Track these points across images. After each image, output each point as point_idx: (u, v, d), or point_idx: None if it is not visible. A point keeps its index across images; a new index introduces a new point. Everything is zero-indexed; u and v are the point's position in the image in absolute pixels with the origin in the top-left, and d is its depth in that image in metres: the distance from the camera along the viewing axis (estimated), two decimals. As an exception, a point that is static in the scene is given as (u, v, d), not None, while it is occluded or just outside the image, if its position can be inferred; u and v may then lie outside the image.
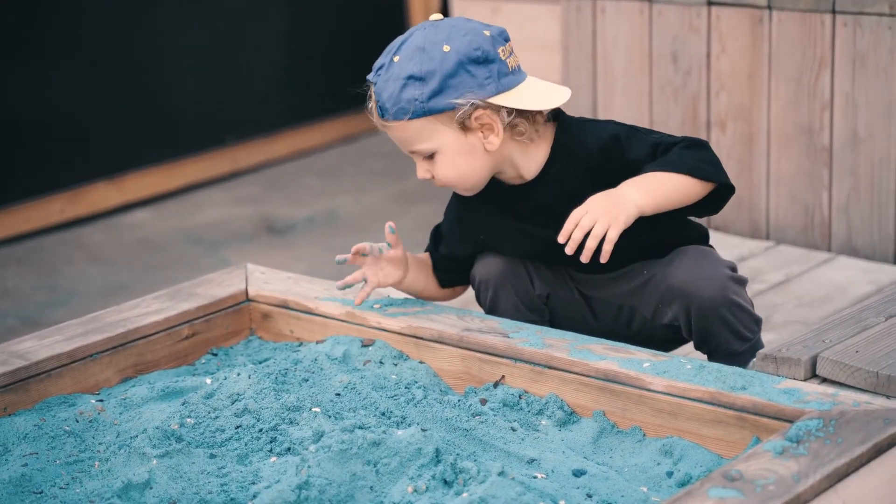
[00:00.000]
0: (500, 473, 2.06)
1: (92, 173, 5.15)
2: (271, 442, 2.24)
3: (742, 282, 2.48)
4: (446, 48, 2.36)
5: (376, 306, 2.61)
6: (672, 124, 3.68)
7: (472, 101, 2.36)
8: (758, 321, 2.51)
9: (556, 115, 2.50)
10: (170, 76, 5.42)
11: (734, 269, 2.48)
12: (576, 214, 2.32)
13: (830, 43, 3.41)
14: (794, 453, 1.94)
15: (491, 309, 2.62)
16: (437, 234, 2.67)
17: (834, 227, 3.50)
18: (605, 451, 2.26)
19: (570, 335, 2.43)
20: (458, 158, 2.42)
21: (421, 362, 2.51)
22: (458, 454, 2.16)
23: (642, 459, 2.21)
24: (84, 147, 5.15)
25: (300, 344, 2.66)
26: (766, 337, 2.55)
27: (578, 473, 2.14)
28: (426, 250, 2.69)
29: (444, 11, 6.18)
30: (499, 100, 2.38)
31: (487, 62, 2.38)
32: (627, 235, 2.41)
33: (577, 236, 2.30)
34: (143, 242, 4.95)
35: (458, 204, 2.61)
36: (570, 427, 2.32)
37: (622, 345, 2.38)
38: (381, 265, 2.59)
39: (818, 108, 3.46)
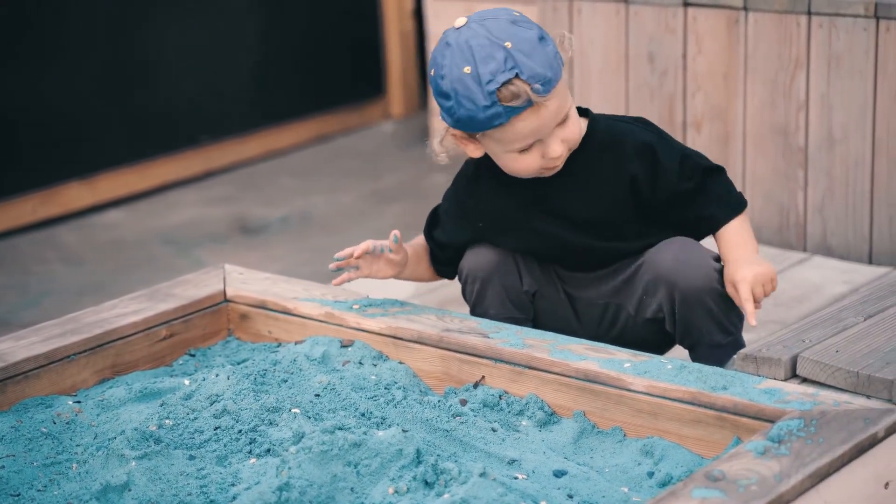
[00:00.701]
0: (482, 474, 2.06)
1: (65, 173, 5.13)
2: (251, 443, 2.23)
3: None
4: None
5: (355, 307, 2.60)
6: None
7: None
8: (741, 317, 2.52)
9: (585, 112, 2.53)
10: (143, 76, 5.40)
11: (718, 261, 2.49)
12: (745, 292, 2.41)
13: (806, 44, 3.42)
14: (775, 453, 1.94)
15: (476, 303, 2.61)
16: (434, 218, 2.66)
17: (809, 227, 3.51)
18: (585, 452, 2.26)
19: (550, 335, 2.43)
20: (573, 112, 2.43)
21: (400, 363, 2.51)
22: (438, 455, 2.15)
23: (623, 460, 2.21)
24: (57, 147, 5.12)
25: (279, 344, 2.65)
26: (744, 337, 2.56)
27: (559, 474, 2.14)
28: (423, 232, 2.68)
29: (418, 11, 6.18)
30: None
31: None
32: (625, 240, 2.45)
33: (757, 308, 2.42)
34: (116, 242, 4.93)
35: (463, 189, 2.59)
36: (550, 427, 2.32)
37: (602, 345, 2.38)
38: (378, 261, 2.58)
39: (794, 109, 3.47)
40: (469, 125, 2.39)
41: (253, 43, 5.83)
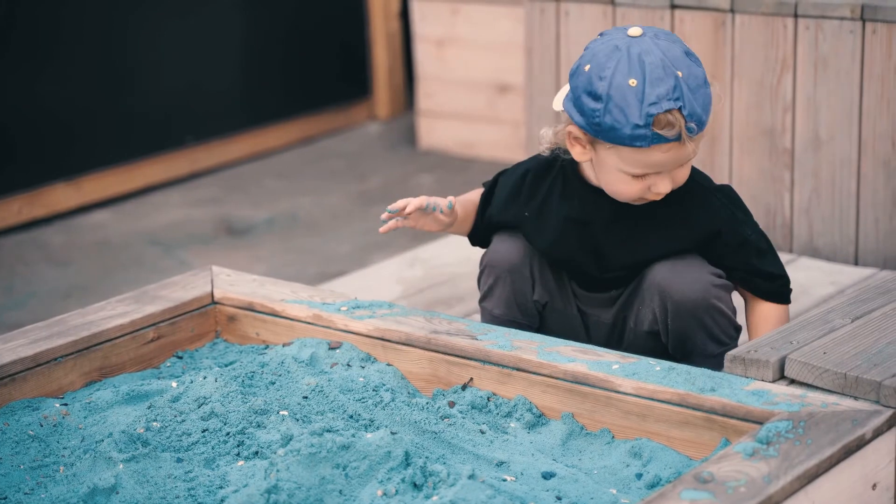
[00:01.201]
0: (470, 476, 2.06)
1: (51, 174, 5.11)
2: (239, 446, 2.23)
3: (727, 288, 2.49)
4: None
5: (343, 309, 2.60)
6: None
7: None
8: (737, 328, 2.53)
9: None
10: (128, 77, 5.39)
11: (721, 276, 2.49)
12: None
13: (792, 46, 3.43)
14: (764, 455, 1.95)
15: (486, 295, 2.62)
16: (495, 182, 2.64)
17: (796, 228, 3.51)
18: (574, 454, 2.26)
19: (538, 337, 2.43)
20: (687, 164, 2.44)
21: (388, 365, 2.50)
22: (427, 457, 2.15)
23: (611, 461, 2.21)
24: (43, 148, 5.11)
25: (266, 347, 2.64)
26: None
27: (548, 476, 2.14)
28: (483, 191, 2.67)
29: (405, 13, 6.18)
30: None
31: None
32: (634, 270, 2.47)
33: None
34: (101, 244, 4.92)
35: (533, 170, 2.58)
36: (538, 429, 2.32)
37: (591, 347, 2.38)
38: (426, 217, 2.55)
39: (780, 111, 3.48)
40: (605, 134, 2.35)
41: (239, 44, 5.82)
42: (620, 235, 2.50)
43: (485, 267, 2.61)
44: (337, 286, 3.36)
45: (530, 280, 2.59)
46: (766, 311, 2.53)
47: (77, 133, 5.22)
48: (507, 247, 2.58)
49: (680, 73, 2.32)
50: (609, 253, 2.51)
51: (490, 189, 2.64)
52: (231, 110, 5.81)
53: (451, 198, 2.55)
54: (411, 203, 2.52)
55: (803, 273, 3.33)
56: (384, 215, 2.55)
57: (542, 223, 2.55)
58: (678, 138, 2.33)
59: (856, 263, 3.43)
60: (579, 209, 2.51)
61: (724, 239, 2.48)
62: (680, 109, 2.32)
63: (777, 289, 2.52)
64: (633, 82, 2.31)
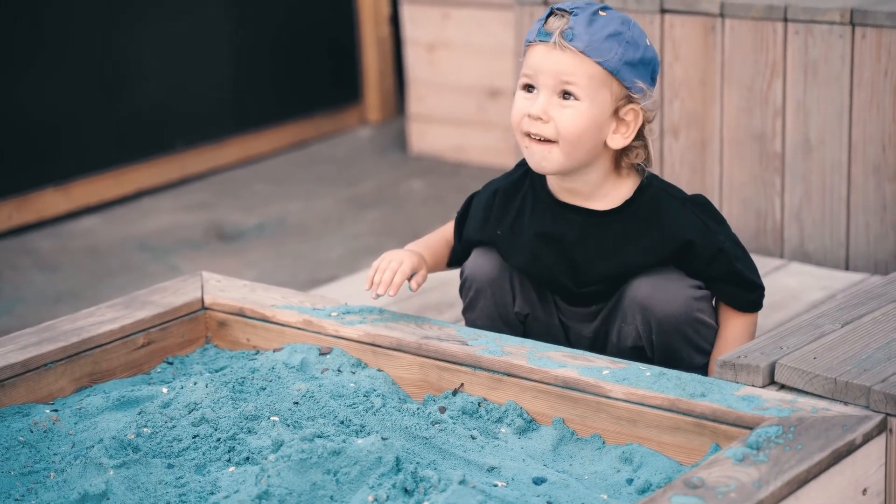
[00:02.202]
0: (461, 482, 2.06)
1: (40, 180, 5.10)
2: (230, 451, 2.22)
3: (707, 298, 2.49)
4: (649, 42, 2.43)
5: (333, 314, 2.60)
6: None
7: (644, 96, 2.40)
8: (720, 335, 2.53)
9: (642, 170, 2.52)
10: (118, 82, 5.39)
11: (700, 288, 2.48)
12: None
13: (782, 51, 3.43)
14: (754, 460, 1.95)
15: (468, 308, 2.62)
16: (467, 206, 2.65)
17: (786, 233, 3.52)
18: (564, 459, 2.26)
19: (528, 342, 2.43)
20: (590, 121, 2.40)
21: (379, 370, 2.50)
22: (418, 463, 2.15)
23: (602, 467, 2.22)
24: (32, 153, 5.10)
25: (257, 352, 2.64)
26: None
27: (539, 481, 2.14)
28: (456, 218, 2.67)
29: (395, 17, 6.18)
30: (650, 112, 2.44)
31: (656, 81, 2.45)
32: (614, 286, 2.49)
33: None
34: (91, 249, 4.91)
35: (503, 186, 2.58)
36: (529, 435, 2.32)
37: (581, 352, 2.38)
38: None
39: (770, 115, 3.48)
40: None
41: (228, 49, 5.82)
42: (593, 249, 2.49)
43: (465, 280, 2.61)
44: (328, 291, 3.36)
45: (510, 292, 2.58)
46: (737, 321, 2.53)
47: (66, 138, 5.21)
48: (486, 259, 2.58)
49: (602, 14, 2.40)
50: (583, 267, 2.50)
51: (464, 212, 2.65)
52: (221, 115, 5.80)
53: (414, 251, 2.56)
54: (392, 289, 2.51)
55: (794, 278, 3.33)
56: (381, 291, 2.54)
57: (514, 240, 2.55)
58: (541, 36, 2.39)
59: (846, 268, 3.44)
60: (550, 224, 2.51)
61: (698, 250, 2.47)
62: (571, 14, 2.38)
63: (753, 299, 2.53)
64: None
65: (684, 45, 3.57)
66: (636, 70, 2.39)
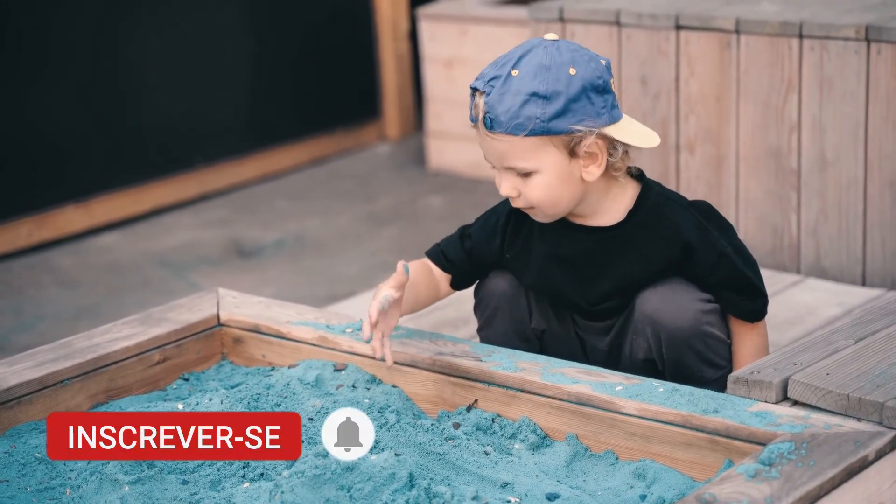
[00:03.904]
0: (474, 498, 2.06)
1: (60, 197, 5.13)
2: (244, 467, 2.23)
3: (717, 311, 2.48)
4: (572, 71, 2.34)
5: (348, 330, 2.61)
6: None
7: (590, 128, 2.35)
8: (730, 348, 2.52)
9: (639, 176, 2.50)
10: (137, 99, 5.41)
11: (710, 301, 2.48)
12: None
13: (798, 66, 3.44)
14: (766, 476, 1.95)
15: (483, 326, 2.62)
16: (465, 235, 2.61)
17: (802, 248, 3.52)
18: (578, 475, 2.26)
19: (542, 358, 2.43)
20: (555, 182, 2.38)
21: (394, 386, 2.51)
22: (431, 479, 2.16)
23: (615, 483, 2.22)
24: (52, 170, 5.13)
25: (272, 368, 2.65)
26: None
27: (552, 497, 2.15)
28: (441, 248, 2.62)
29: (413, 33, 6.20)
30: (609, 131, 2.38)
31: (605, 92, 2.37)
32: (624, 298, 2.49)
33: None
34: (111, 266, 4.93)
35: (509, 215, 2.56)
36: (543, 450, 2.32)
37: (595, 368, 2.38)
38: (387, 314, 2.47)
39: (786, 131, 3.48)
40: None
41: (248, 65, 5.85)
42: (601, 264, 2.48)
43: (480, 298, 2.61)
44: (345, 308, 3.37)
45: (527, 308, 2.58)
46: (751, 334, 2.52)
47: (87, 155, 5.24)
48: (501, 278, 2.57)
49: (515, 73, 2.34)
50: (593, 283, 2.50)
51: (466, 229, 2.62)
52: (241, 132, 5.83)
53: (403, 262, 2.50)
54: (372, 322, 2.41)
55: (810, 294, 3.33)
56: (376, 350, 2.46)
57: (525, 262, 2.54)
58: (475, 120, 2.39)
59: (863, 284, 3.43)
60: (557, 245, 2.50)
61: (698, 254, 2.45)
62: (484, 94, 2.35)
63: (758, 308, 2.50)
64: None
65: (700, 61, 3.58)
66: (567, 117, 2.34)
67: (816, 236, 3.49)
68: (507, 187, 2.41)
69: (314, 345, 2.61)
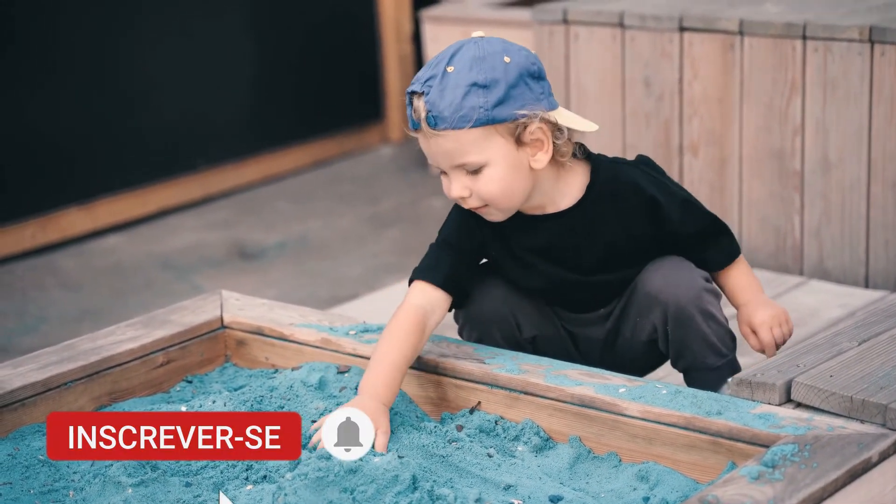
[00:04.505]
0: (477, 500, 2.06)
1: (64, 199, 5.14)
2: (247, 470, 2.23)
3: (716, 294, 2.49)
4: (507, 59, 2.33)
5: (352, 333, 2.61)
6: (644, 149, 3.69)
7: (533, 112, 2.34)
8: (733, 338, 2.52)
9: (587, 155, 2.49)
10: (140, 101, 5.42)
11: (708, 280, 2.49)
12: (767, 336, 2.47)
13: (801, 68, 3.44)
14: (769, 478, 1.95)
15: None
16: (445, 244, 2.51)
17: (806, 250, 3.52)
18: (581, 477, 2.26)
19: (545, 361, 2.43)
20: (507, 173, 2.36)
21: (397, 388, 2.50)
22: (434, 481, 2.16)
23: (618, 485, 2.22)
24: (56, 173, 5.14)
25: (276, 371, 2.65)
26: (739, 361, 2.56)
27: (555, 499, 2.14)
28: (433, 266, 2.51)
29: (417, 36, 6.21)
30: (551, 115, 2.37)
31: (541, 78, 2.37)
32: (616, 270, 2.45)
33: (776, 350, 2.48)
34: (114, 268, 4.94)
35: (468, 217, 2.50)
36: (546, 453, 2.32)
37: (598, 370, 2.38)
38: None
39: (789, 133, 3.48)
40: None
41: (250, 67, 5.85)
42: (575, 244, 2.46)
43: (465, 321, 2.57)
44: (348, 310, 3.37)
45: (513, 322, 2.56)
46: (740, 270, 2.53)
47: (90, 157, 5.25)
48: (480, 301, 2.54)
49: (450, 69, 2.32)
50: (576, 263, 2.48)
51: (441, 239, 2.53)
52: (243, 134, 5.83)
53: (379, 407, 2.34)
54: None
55: (813, 296, 3.33)
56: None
57: (507, 259, 2.52)
58: (416, 125, 2.35)
59: (866, 286, 3.43)
60: (531, 239, 2.47)
61: (664, 205, 2.45)
62: (423, 94, 2.33)
63: (735, 245, 2.52)
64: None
65: (703, 63, 3.58)
66: (508, 104, 2.32)
67: (819, 238, 3.48)
68: (458, 188, 2.38)
69: (317, 347, 2.61)
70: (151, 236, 5.26)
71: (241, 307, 2.76)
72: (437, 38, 5.65)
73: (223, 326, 2.73)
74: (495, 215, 2.43)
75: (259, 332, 2.69)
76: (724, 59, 3.54)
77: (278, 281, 4.69)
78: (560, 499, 2.14)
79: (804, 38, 3.42)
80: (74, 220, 5.18)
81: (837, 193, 3.44)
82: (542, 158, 2.38)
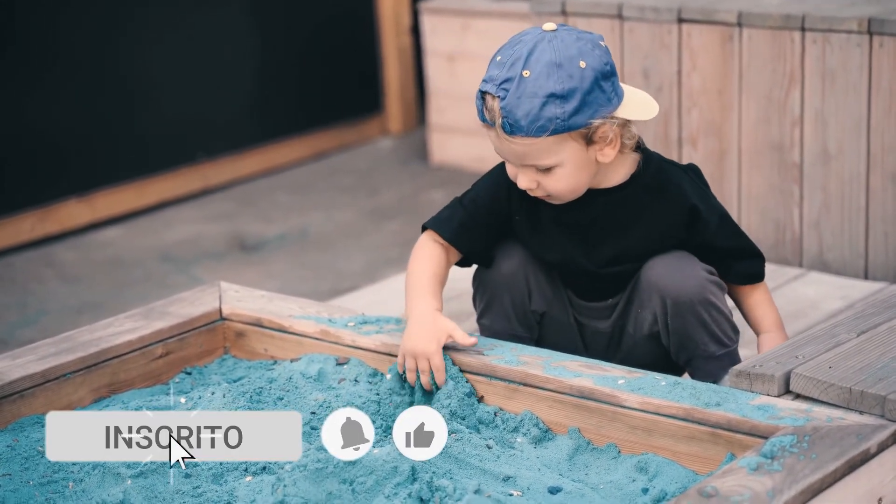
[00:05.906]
0: (476, 491, 2.06)
1: (63, 191, 5.14)
2: (246, 461, 2.23)
3: (721, 286, 2.50)
4: (582, 64, 2.33)
5: (350, 324, 2.61)
6: (644, 140, 3.68)
7: (605, 117, 2.36)
8: (736, 330, 2.53)
9: (639, 145, 2.50)
10: (140, 94, 5.42)
11: (713, 273, 2.50)
12: None
13: (800, 60, 3.43)
14: (768, 469, 1.95)
15: (484, 312, 2.61)
16: (467, 201, 2.54)
17: (805, 242, 3.52)
18: (580, 468, 2.26)
19: (545, 352, 2.43)
20: (576, 171, 2.39)
21: (396, 380, 2.51)
22: (433, 472, 2.16)
23: (617, 476, 2.22)
24: (55, 165, 5.14)
25: (274, 362, 2.65)
26: (740, 352, 2.56)
27: (554, 491, 2.15)
28: (447, 219, 2.55)
29: (416, 27, 6.20)
30: (620, 113, 2.39)
31: (612, 75, 2.38)
32: (628, 262, 2.46)
33: None
34: (114, 260, 4.94)
35: (502, 185, 2.52)
36: (545, 444, 2.32)
37: (597, 362, 2.38)
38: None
39: (788, 125, 3.48)
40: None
41: (250, 60, 5.85)
42: (608, 225, 2.49)
43: (479, 284, 2.61)
44: (348, 302, 3.37)
45: (526, 290, 2.59)
46: (761, 294, 2.56)
47: (89, 149, 5.25)
48: (500, 262, 2.58)
49: (527, 74, 2.32)
50: (600, 245, 2.50)
51: (464, 198, 2.57)
52: (243, 126, 5.83)
53: (435, 310, 2.45)
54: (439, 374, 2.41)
55: (813, 287, 3.33)
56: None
57: (532, 227, 2.54)
58: (491, 123, 2.36)
59: (865, 277, 3.43)
60: (564, 211, 2.50)
61: (703, 216, 2.48)
62: (499, 98, 2.33)
63: (759, 269, 2.55)
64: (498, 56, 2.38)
65: (702, 54, 3.57)
66: (584, 111, 2.34)
67: (819, 230, 3.48)
68: (526, 181, 2.41)
69: (316, 339, 2.61)
70: (151, 228, 5.26)
71: (240, 299, 2.76)
72: (436, 30, 5.64)
73: (222, 318, 2.73)
74: (557, 202, 2.47)
75: (258, 323, 2.69)
76: (723, 51, 3.54)
77: (278, 273, 4.69)
78: (559, 490, 2.15)
79: (803, 29, 3.41)
80: (73, 212, 5.18)
81: (836, 185, 3.44)
82: (609, 153, 2.42)
